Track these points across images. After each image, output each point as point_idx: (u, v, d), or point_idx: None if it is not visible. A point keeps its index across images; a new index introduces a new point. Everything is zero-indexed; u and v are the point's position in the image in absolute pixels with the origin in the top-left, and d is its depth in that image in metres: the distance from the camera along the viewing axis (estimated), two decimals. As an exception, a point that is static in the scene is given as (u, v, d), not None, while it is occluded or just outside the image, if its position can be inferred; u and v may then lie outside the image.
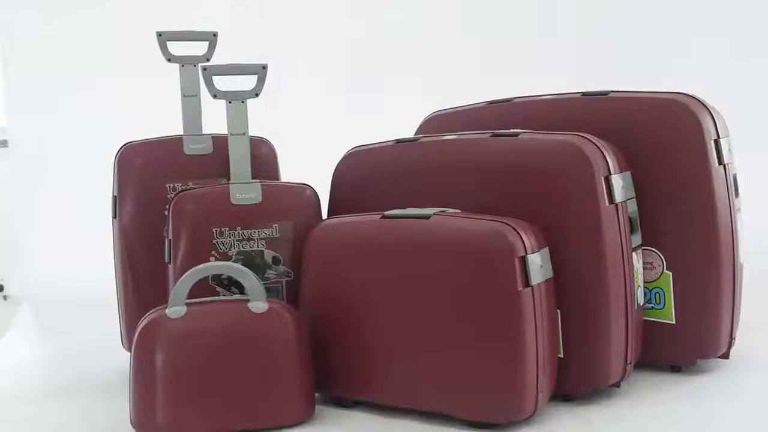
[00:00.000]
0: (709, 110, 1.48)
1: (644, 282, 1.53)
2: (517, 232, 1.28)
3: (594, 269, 1.35)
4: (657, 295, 1.50)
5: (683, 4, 2.32)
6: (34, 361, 1.83)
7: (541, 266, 1.30)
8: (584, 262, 1.37)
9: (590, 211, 1.35)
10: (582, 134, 1.40)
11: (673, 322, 1.50)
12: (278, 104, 1.95)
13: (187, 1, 2.31)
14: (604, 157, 1.37)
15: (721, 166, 1.50)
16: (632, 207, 1.45)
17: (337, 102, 2.36)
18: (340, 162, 1.55)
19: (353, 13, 2.36)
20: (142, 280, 1.50)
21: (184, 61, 1.61)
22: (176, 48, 1.63)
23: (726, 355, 1.52)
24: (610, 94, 1.55)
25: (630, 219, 1.45)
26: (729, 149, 1.50)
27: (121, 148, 1.61)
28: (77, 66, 2.33)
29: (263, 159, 1.61)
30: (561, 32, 2.30)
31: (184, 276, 1.32)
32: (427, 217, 1.34)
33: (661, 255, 1.50)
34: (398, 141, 1.52)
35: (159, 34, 1.61)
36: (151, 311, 1.31)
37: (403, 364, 1.36)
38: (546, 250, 1.33)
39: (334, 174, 1.55)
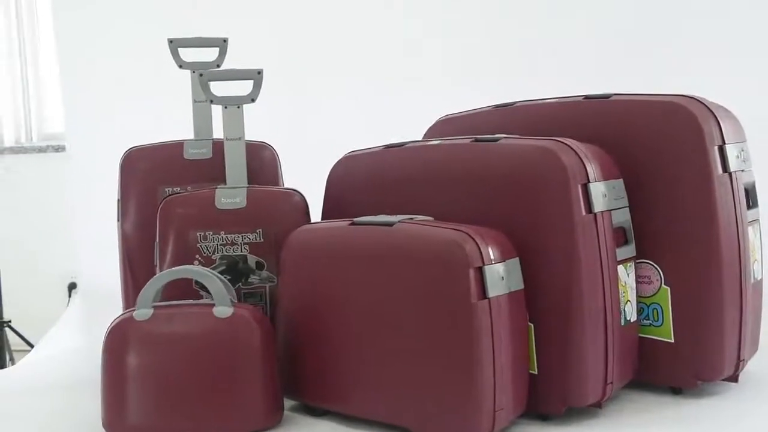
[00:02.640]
0: (713, 113, 1.39)
1: (641, 297, 1.44)
2: (476, 242, 1.23)
3: (566, 281, 1.28)
4: (655, 311, 1.42)
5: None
6: (75, 351, 1.89)
7: (503, 278, 1.26)
8: (557, 273, 1.33)
9: (564, 220, 1.28)
10: (563, 140, 1.35)
11: (672, 341, 1.41)
12: (283, 108, 1.96)
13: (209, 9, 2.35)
14: (583, 164, 1.32)
15: (726, 174, 1.40)
16: (622, 217, 1.38)
17: (344, 105, 2.34)
18: (333, 167, 1.55)
19: (363, 15, 2.33)
20: (141, 282, 1.54)
21: (195, 67, 1.65)
22: (188, 54, 1.67)
23: (734, 378, 1.40)
24: (613, 97, 1.47)
25: (621, 229, 1.38)
26: (740, 156, 1.40)
27: (125, 152, 1.66)
28: (130, 73, 2.42)
29: (264, 164, 1.62)
30: (572, 32, 2.18)
31: (150, 280, 1.35)
32: (390, 224, 1.33)
33: (658, 268, 1.42)
34: (387, 146, 1.50)
35: (170, 41, 1.66)
36: (121, 313, 1.34)
37: (368, 375, 1.35)
38: (514, 261, 1.30)
39: (327, 179, 1.56)
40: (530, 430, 1.32)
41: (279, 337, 1.43)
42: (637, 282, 1.42)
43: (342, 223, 1.40)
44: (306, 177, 1.65)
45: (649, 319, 1.41)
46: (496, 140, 1.40)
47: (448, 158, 1.46)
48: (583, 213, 1.32)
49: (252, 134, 1.64)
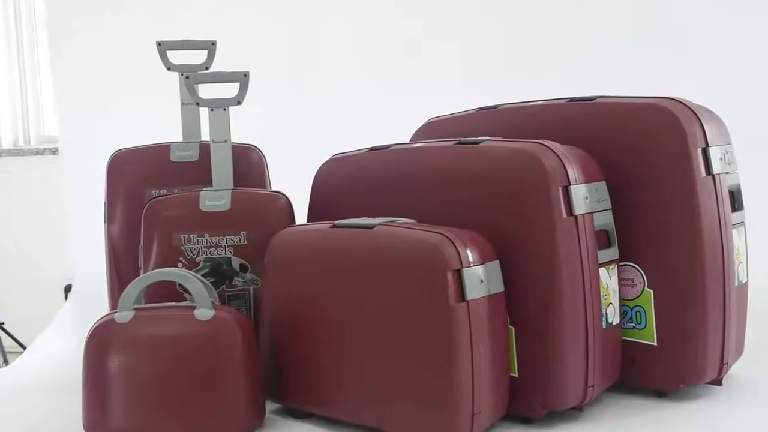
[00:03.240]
0: (697, 115, 1.39)
1: (625, 300, 1.44)
2: (454, 244, 1.23)
3: (547, 284, 1.29)
4: (638, 313, 1.41)
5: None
6: (68, 352, 1.91)
7: (482, 280, 1.26)
8: (537, 276, 1.32)
9: (544, 222, 1.28)
10: (544, 142, 1.35)
11: (655, 344, 1.40)
12: (271, 110, 1.95)
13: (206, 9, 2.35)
14: (564, 167, 1.32)
15: (710, 177, 1.40)
16: (604, 219, 1.38)
17: (333, 108, 2.34)
18: (318, 169, 1.55)
19: (351, 17, 2.33)
20: (127, 284, 1.54)
21: (183, 70, 1.65)
22: (176, 57, 1.67)
23: (718, 382, 1.39)
24: (597, 100, 1.47)
25: (604, 232, 1.38)
26: (724, 158, 1.40)
27: (112, 155, 1.66)
28: (122, 75, 2.42)
29: (251, 166, 1.62)
30: (559, 35, 2.18)
31: (132, 282, 1.35)
32: (371, 227, 1.33)
33: (641, 271, 1.42)
34: (371, 149, 1.51)
35: (159, 44, 1.66)
36: (102, 315, 1.34)
37: (349, 378, 1.35)
38: (494, 264, 1.30)
39: (313, 181, 1.56)
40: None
41: (262, 340, 1.43)
42: (621, 285, 1.41)
43: (324, 226, 1.40)
44: (293, 179, 1.66)
45: (632, 322, 1.41)
46: (478, 143, 1.40)
47: (432, 161, 1.46)
48: (564, 215, 1.32)
49: (239, 137, 1.63)
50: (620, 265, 1.42)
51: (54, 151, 3.57)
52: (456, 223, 1.36)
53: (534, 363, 1.33)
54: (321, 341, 1.37)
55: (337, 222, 1.38)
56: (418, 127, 1.71)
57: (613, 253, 1.39)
